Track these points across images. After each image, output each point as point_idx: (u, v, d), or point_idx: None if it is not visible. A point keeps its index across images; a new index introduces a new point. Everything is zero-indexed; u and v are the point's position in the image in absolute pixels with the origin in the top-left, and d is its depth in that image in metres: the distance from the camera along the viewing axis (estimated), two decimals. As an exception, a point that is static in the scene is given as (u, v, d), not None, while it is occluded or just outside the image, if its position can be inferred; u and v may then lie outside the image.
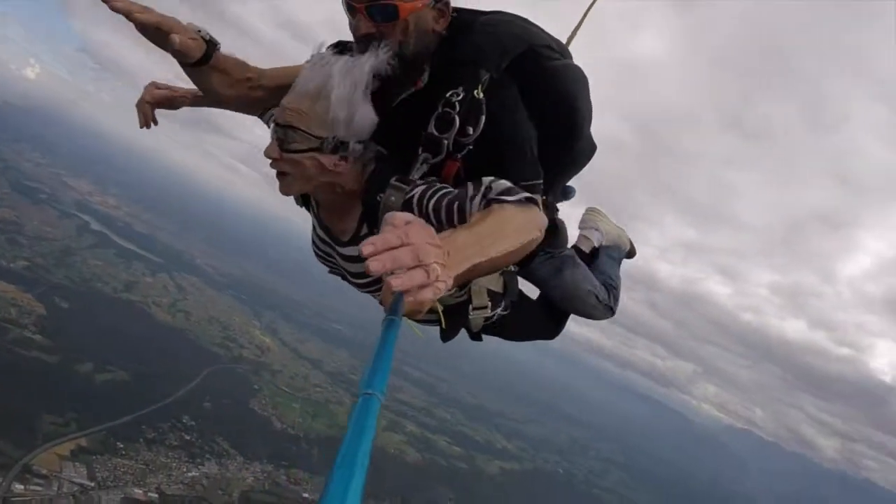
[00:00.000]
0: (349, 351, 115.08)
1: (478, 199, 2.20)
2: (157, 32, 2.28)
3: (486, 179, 2.22)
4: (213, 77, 2.62)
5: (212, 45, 2.50)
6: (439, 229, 1.87)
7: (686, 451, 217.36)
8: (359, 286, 2.96)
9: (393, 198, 2.34)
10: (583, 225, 4.16)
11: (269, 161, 2.44)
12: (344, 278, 3.10)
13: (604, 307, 3.66)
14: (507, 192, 2.14)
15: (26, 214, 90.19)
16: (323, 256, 3.04)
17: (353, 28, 2.51)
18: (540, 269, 3.36)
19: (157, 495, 49.10)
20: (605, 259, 3.96)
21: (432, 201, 2.26)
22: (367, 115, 2.38)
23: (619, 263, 4.13)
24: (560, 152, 2.87)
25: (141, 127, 2.93)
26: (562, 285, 3.43)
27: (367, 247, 1.35)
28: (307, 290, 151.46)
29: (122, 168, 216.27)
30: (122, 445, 51.96)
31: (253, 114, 3.06)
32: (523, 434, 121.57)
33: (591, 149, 3.08)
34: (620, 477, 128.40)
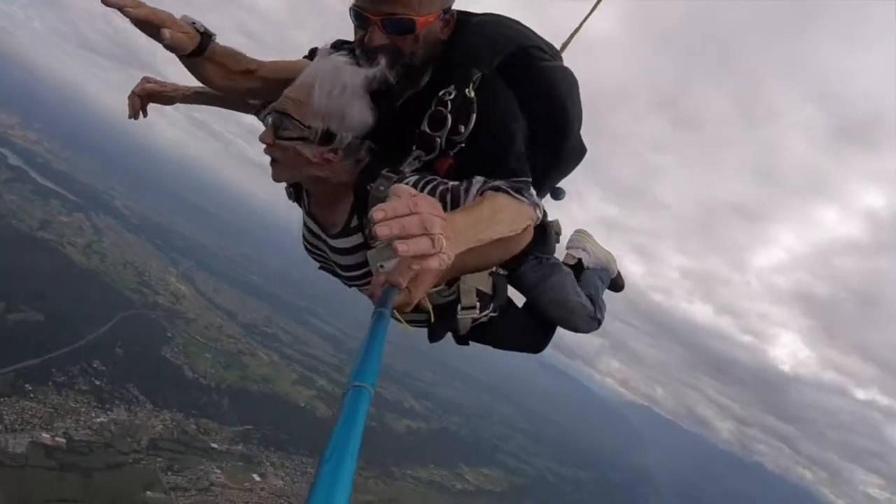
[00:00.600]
0: (265, 303, 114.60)
1: (472, 189, 2.31)
2: (149, 26, 2.32)
3: (479, 178, 2.34)
4: (208, 68, 2.65)
5: (206, 36, 2.52)
6: None
7: (588, 422, 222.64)
8: (349, 279, 2.97)
9: (382, 187, 2.38)
10: (570, 245, 4.19)
11: (263, 147, 2.52)
12: (334, 273, 3.15)
13: (590, 318, 3.66)
14: (501, 185, 2.26)
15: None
16: (313, 250, 3.08)
17: (366, 38, 2.52)
18: (528, 274, 3.36)
19: (64, 440, 48.69)
20: (591, 276, 3.95)
21: (425, 190, 2.31)
22: (362, 112, 2.44)
23: (604, 287, 4.13)
24: (549, 153, 2.91)
25: (129, 117, 3.06)
26: (549, 292, 3.42)
27: (377, 213, 1.39)
28: (225, 239, 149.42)
29: (47, 103, 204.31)
30: (30, 388, 51.12)
31: (250, 112, 3.19)
32: (431, 396, 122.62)
33: (580, 151, 3.16)
34: (523, 442, 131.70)
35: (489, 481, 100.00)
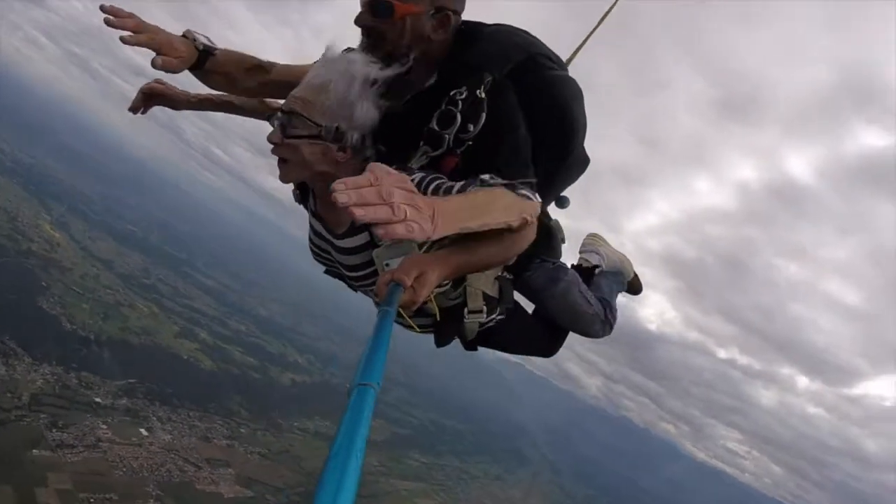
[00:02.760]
0: (142, 254, 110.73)
1: (459, 184, 2.31)
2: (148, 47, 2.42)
3: (484, 177, 2.30)
4: (213, 79, 2.82)
5: (204, 53, 2.66)
6: None
7: (464, 377, 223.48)
8: (354, 279, 2.99)
9: None
10: (583, 249, 4.19)
11: (271, 147, 2.55)
12: (340, 277, 3.18)
13: (601, 323, 3.66)
14: (500, 181, 2.27)
15: None
16: (319, 253, 3.08)
17: (356, 19, 2.69)
18: (535, 278, 3.37)
19: None
20: (603, 281, 3.94)
21: (431, 187, 2.33)
22: (368, 110, 2.51)
23: (619, 290, 4.16)
24: (554, 160, 2.98)
25: (128, 109, 3.17)
26: (557, 296, 3.42)
27: (337, 184, 1.42)
28: (103, 185, 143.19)
29: None
30: None
31: (259, 118, 3.29)
32: (315, 349, 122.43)
33: (584, 161, 3.26)
34: (402, 394, 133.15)
35: (372, 431, 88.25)
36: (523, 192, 2.22)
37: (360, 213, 1.41)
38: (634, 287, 4.37)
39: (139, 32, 2.43)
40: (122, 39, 2.36)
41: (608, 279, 3.99)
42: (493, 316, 3.09)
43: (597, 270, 3.95)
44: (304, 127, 2.44)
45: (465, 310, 2.91)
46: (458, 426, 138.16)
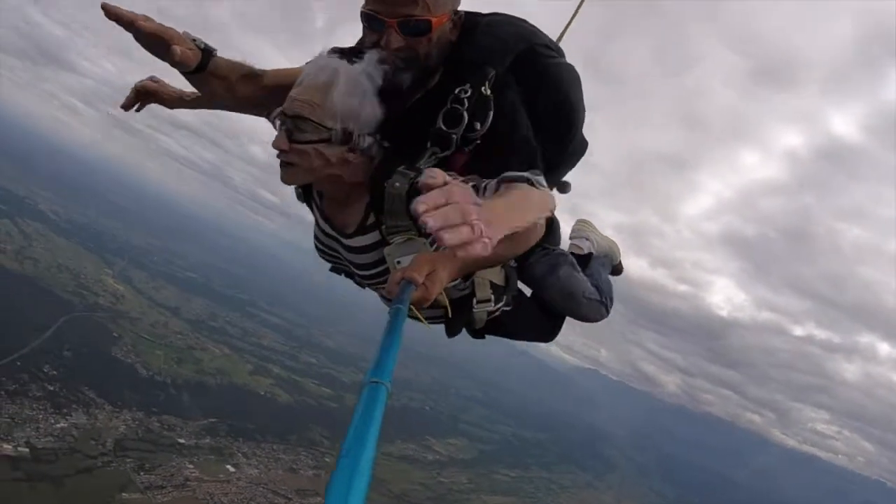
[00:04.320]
0: (205, 298, 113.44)
1: (491, 182, 2.29)
2: (156, 42, 2.35)
3: (508, 174, 2.27)
4: (211, 82, 2.67)
5: (207, 53, 2.55)
6: None
7: (539, 389, 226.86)
8: (364, 278, 2.94)
9: (398, 184, 2.38)
10: (573, 235, 4.20)
11: (277, 152, 2.47)
12: (348, 274, 3.16)
13: (599, 306, 3.69)
14: (519, 176, 2.24)
15: None
16: (325, 251, 3.06)
17: (382, 41, 2.53)
18: (536, 266, 3.39)
19: (27, 449, 46.82)
20: (595, 265, 3.96)
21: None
22: (374, 109, 2.44)
23: (608, 275, 4.14)
24: (557, 147, 2.98)
25: (121, 107, 3.04)
26: (558, 283, 3.43)
27: (419, 205, 1.41)
28: (155, 237, 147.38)
29: None
30: None
31: (259, 114, 3.09)
32: None
33: (583, 146, 3.26)
34: (483, 412, 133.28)
35: (458, 450, 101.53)
36: (543, 186, 2.28)
37: (448, 237, 1.42)
38: (616, 270, 4.36)
39: (149, 20, 2.36)
40: (137, 26, 2.30)
41: (599, 264, 4.00)
42: (500, 304, 3.09)
43: (591, 257, 3.97)
44: (312, 131, 2.40)
45: (474, 300, 2.89)
46: (540, 438, 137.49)
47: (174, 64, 2.42)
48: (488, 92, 2.58)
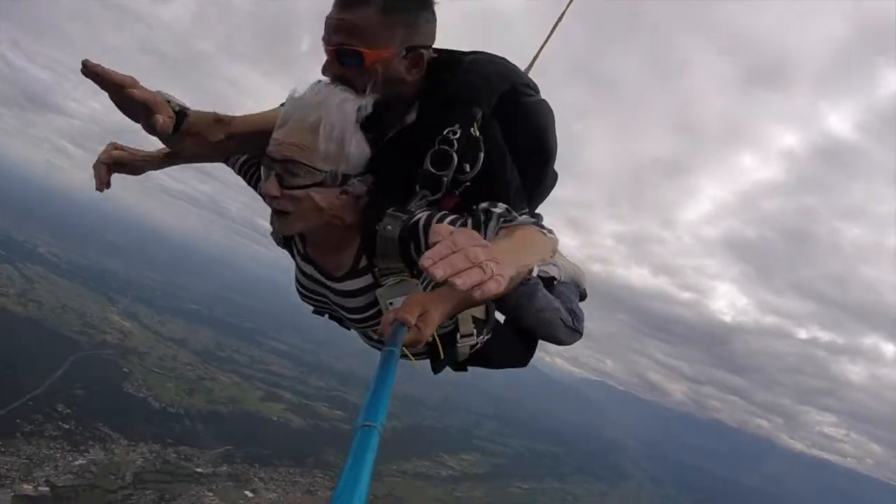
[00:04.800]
0: (211, 329, 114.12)
1: (492, 223, 2.27)
2: (137, 108, 2.22)
3: (497, 210, 2.30)
4: (185, 142, 2.52)
5: (181, 115, 2.40)
6: None
7: (549, 402, 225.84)
8: (354, 321, 2.89)
9: (390, 227, 2.39)
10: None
11: (268, 199, 2.41)
12: (332, 317, 3.15)
13: (572, 330, 3.69)
14: (522, 220, 2.28)
15: None
16: (309, 295, 2.98)
17: (324, 68, 2.53)
18: (512, 296, 3.33)
19: (48, 488, 46.85)
20: (565, 290, 3.98)
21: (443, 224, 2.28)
22: (362, 147, 2.40)
23: (576, 296, 4.16)
24: (533, 183, 2.95)
25: (96, 189, 2.75)
26: (534, 311, 3.43)
27: (426, 260, 1.42)
28: (155, 272, 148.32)
29: None
30: None
31: (219, 161, 3.06)
32: (397, 395, 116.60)
33: (554, 178, 3.25)
34: (495, 427, 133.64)
35: (472, 465, 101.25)
36: (545, 228, 2.29)
37: (461, 282, 1.42)
38: (582, 295, 4.33)
39: (138, 87, 2.20)
40: (128, 93, 2.14)
41: (567, 289, 4.02)
42: (482, 337, 3.11)
43: (554, 282, 3.95)
44: (305, 175, 2.31)
45: (458, 334, 2.92)
46: (552, 450, 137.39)
47: (153, 133, 2.31)
48: (477, 133, 2.53)
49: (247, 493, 59.42)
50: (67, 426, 55.70)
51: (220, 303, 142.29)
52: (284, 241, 2.96)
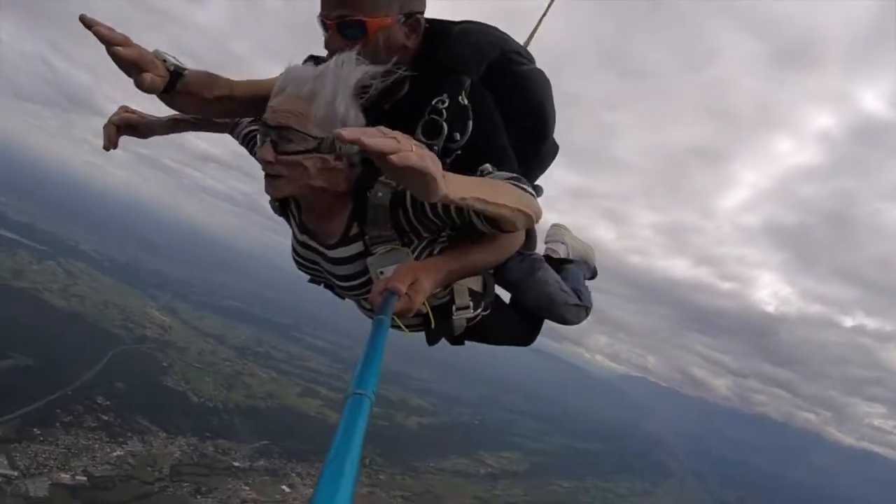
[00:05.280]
0: (249, 325, 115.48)
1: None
2: (130, 65, 2.30)
3: (480, 168, 2.41)
4: (180, 101, 2.63)
5: (175, 74, 2.49)
6: (438, 220, 2.31)
7: (589, 400, 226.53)
8: (346, 289, 2.84)
9: (380, 193, 2.39)
10: (549, 239, 4.17)
11: (263, 164, 2.37)
12: (328, 286, 3.08)
13: (577, 309, 3.66)
14: (505, 176, 2.35)
15: None
16: (304, 264, 2.93)
17: (325, 43, 2.55)
18: (512, 270, 3.38)
19: (85, 478, 47.19)
20: (572, 269, 3.97)
21: None
22: (357, 117, 2.37)
23: (586, 278, 4.15)
24: (529, 153, 3.00)
25: (104, 148, 2.84)
26: (535, 287, 3.42)
27: (342, 131, 1.46)
28: (194, 269, 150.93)
29: None
30: (38, 432, 49.60)
31: (223, 131, 3.15)
32: (433, 392, 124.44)
33: (554, 150, 3.28)
34: (532, 424, 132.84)
35: (511, 463, 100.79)
36: (529, 190, 2.34)
37: (368, 140, 1.46)
38: (593, 274, 4.36)
39: (127, 46, 2.32)
40: (113, 51, 2.25)
41: (576, 267, 4.02)
42: (479, 311, 3.08)
43: (565, 263, 3.99)
44: (300, 141, 2.32)
45: (453, 307, 2.89)
46: (593, 447, 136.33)
47: (142, 89, 2.36)
48: (466, 101, 2.54)
49: (283, 487, 59.47)
50: (107, 418, 56.23)
51: (258, 300, 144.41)
52: (281, 210, 2.91)
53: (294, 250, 2.91)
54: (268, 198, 2.72)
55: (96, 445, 51.73)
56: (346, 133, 1.43)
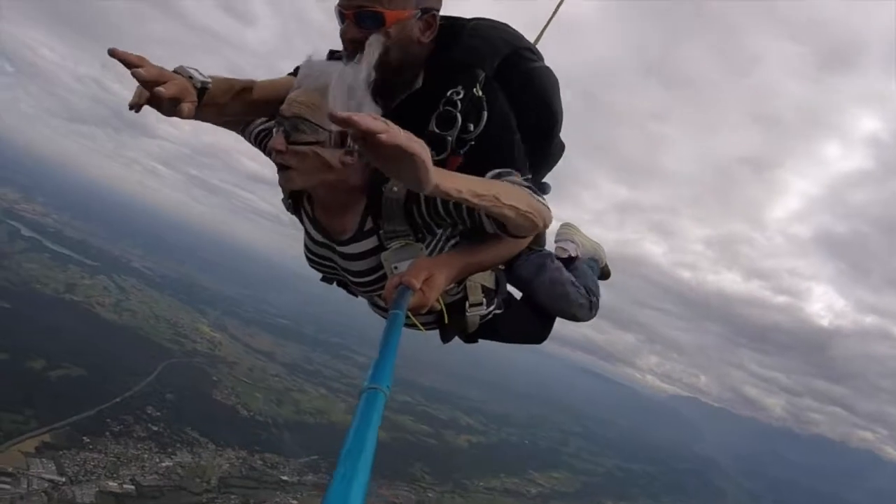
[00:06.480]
0: (299, 343, 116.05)
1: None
2: (153, 85, 2.18)
3: (492, 172, 2.40)
4: (204, 112, 2.52)
5: (202, 90, 2.39)
6: (449, 217, 2.36)
7: (639, 420, 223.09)
8: (360, 285, 2.82)
9: (395, 188, 2.39)
10: (559, 238, 4.11)
11: (274, 153, 2.36)
12: (340, 284, 3.07)
13: (588, 307, 3.63)
14: (520, 181, 2.37)
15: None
16: (317, 261, 2.90)
17: (342, 33, 2.53)
18: (522, 268, 3.39)
19: (133, 487, 47.36)
20: (582, 267, 3.91)
21: None
22: (371, 110, 2.31)
23: (596, 276, 4.08)
24: (538, 149, 2.95)
25: (130, 105, 2.45)
26: (545, 284, 3.41)
27: (335, 112, 1.48)
28: (244, 287, 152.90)
29: (47, 177, 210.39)
30: (87, 440, 50.01)
31: (235, 130, 3.05)
32: (483, 411, 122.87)
33: (561, 147, 3.25)
34: (583, 445, 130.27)
35: (561, 483, 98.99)
36: (539, 197, 2.37)
37: (357, 119, 1.47)
38: (604, 273, 4.37)
39: (162, 80, 2.25)
40: (158, 93, 2.20)
41: (586, 266, 4.02)
42: (492, 308, 3.12)
43: (574, 256, 3.99)
44: (311, 132, 2.34)
45: (467, 304, 2.93)
46: (645, 468, 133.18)
47: (182, 117, 2.31)
48: (480, 93, 2.56)
49: (332, 502, 58.72)
50: (156, 428, 56.55)
51: (308, 318, 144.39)
52: (294, 208, 2.90)
53: (307, 248, 2.89)
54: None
55: (145, 455, 51.93)
56: (339, 112, 1.43)
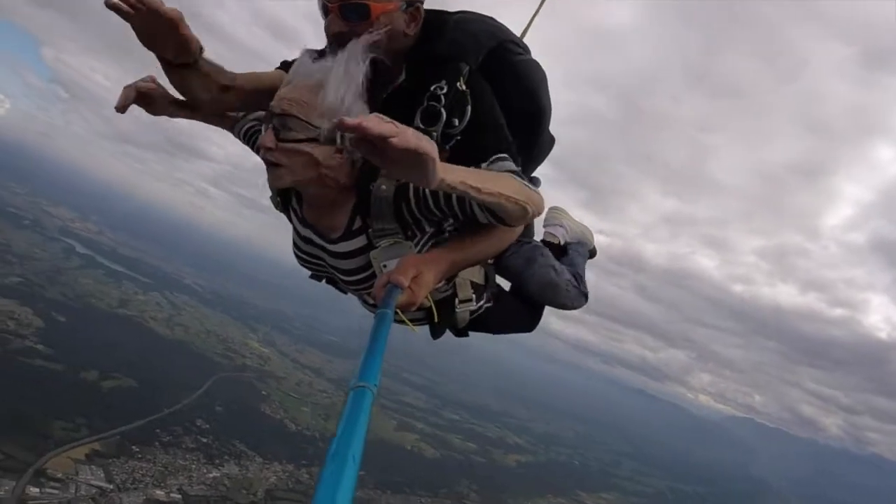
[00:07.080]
0: (347, 360, 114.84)
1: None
2: (158, 23, 2.22)
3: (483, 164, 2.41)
4: (193, 80, 2.56)
5: (200, 50, 2.46)
6: (440, 212, 2.36)
7: (691, 441, 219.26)
8: (349, 284, 2.80)
9: (384, 186, 2.38)
10: (547, 223, 4.12)
11: (263, 150, 2.36)
12: (329, 281, 3.05)
13: (577, 294, 3.62)
14: (513, 170, 2.39)
15: (12, 237, 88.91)
16: (307, 259, 2.89)
17: (326, 27, 2.54)
18: (512, 259, 3.35)
19: (179, 496, 47.86)
20: (572, 253, 3.93)
21: None
22: (361, 109, 2.34)
23: (584, 260, 4.08)
24: (526, 144, 2.93)
25: (116, 107, 2.60)
26: (536, 275, 3.37)
27: (344, 120, 1.50)
28: (292, 305, 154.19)
29: (99, 197, 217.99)
30: (137, 449, 50.80)
31: (224, 126, 3.08)
32: (531, 431, 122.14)
33: (551, 141, 3.24)
34: (634, 466, 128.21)
35: None
36: (528, 184, 2.38)
37: (369, 125, 1.49)
38: (592, 252, 4.32)
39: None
40: (159, 10, 2.20)
41: (574, 250, 4.04)
42: (482, 302, 3.10)
43: (563, 243, 4.00)
44: (301, 130, 2.32)
45: (456, 300, 2.91)
46: (698, 490, 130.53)
47: (179, 44, 2.33)
48: (464, 87, 2.54)
49: (378, 518, 58.16)
50: (205, 440, 57.25)
51: (357, 336, 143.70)
52: (283, 206, 2.91)
53: (296, 246, 2.88)
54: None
55: (193, 466, 52.48)
56: (349, 120, 1.46)
